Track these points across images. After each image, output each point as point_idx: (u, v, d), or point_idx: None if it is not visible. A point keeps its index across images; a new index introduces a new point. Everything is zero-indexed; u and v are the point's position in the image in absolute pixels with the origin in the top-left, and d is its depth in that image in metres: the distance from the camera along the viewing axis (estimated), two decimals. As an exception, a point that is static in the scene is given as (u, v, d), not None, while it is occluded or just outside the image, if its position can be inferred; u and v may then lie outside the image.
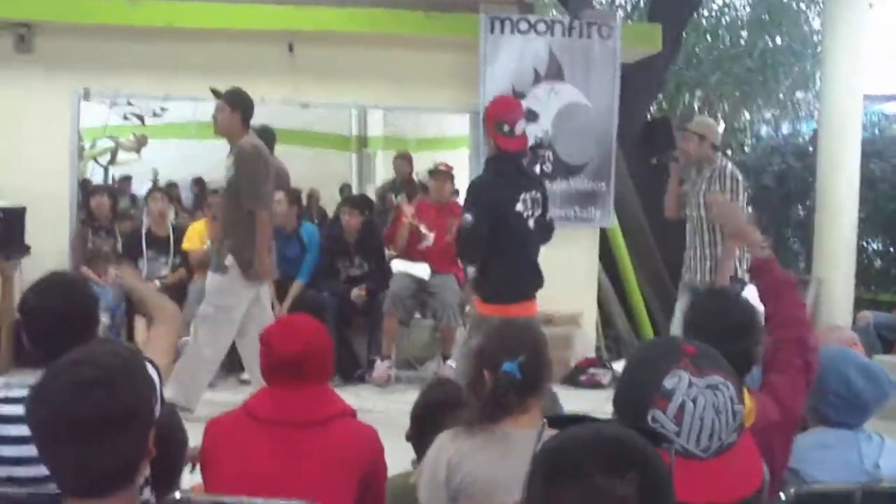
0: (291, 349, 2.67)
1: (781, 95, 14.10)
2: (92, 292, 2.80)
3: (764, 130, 14.28)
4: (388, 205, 9.72)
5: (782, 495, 2.53)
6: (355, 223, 7.56)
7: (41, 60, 7.51)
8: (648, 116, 10.52)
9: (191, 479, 2.66)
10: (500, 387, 2.56)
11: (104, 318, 6.73)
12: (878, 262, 10.68)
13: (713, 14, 14.11)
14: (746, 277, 5.86)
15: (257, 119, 8.35)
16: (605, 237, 8.13)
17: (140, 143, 11.40)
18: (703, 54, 13.66)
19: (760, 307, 2.90)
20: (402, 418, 3.11)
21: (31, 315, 2.62)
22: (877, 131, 11.42)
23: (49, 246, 7.16)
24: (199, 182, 11.05)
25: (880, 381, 2.86)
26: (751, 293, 2.98)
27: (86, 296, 2.71)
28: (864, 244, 10.15)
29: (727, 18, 14.27)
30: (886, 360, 6.20)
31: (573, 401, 6.17)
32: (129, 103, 10.07)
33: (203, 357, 5.78)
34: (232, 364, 6.58)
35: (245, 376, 6.41)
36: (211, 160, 7.35)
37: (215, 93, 5.88)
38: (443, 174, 7.50)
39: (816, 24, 13.35)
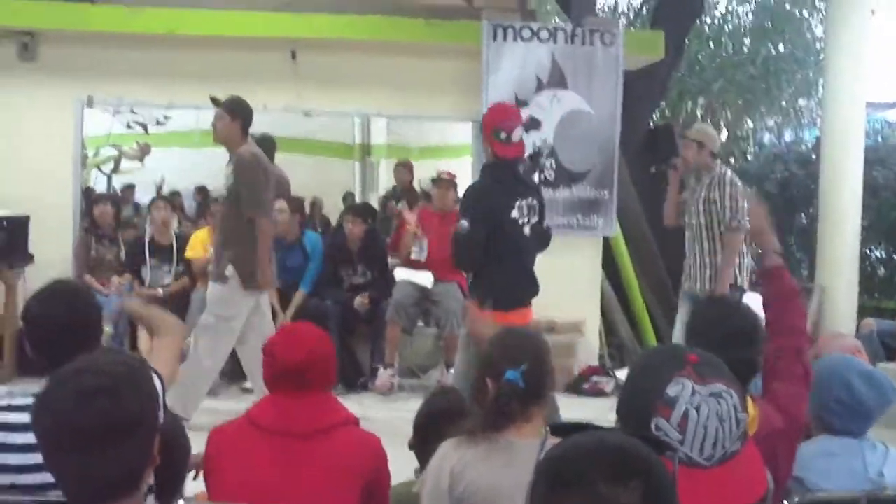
0: (294, 358, 2.67)
1: (784, 103, 14.11)
2: (95, 301, 2.81)
3: (767, 138, 14.29)
4: (390, 212, 9.73)
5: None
6: (358, 231, 7.56)
7: (44, 68, 7.53)
8: (651, 124, 10.51)
9: (194, 486, 2.66)
10: (503, 395, 2.56)
11: (107, 328, 6.73)
12: (881, 270, 10.67)
13: (716, 21, 14.12)
14: (746, 285, 5.87)
15: (260, 127, 8.37)
16: (607, 245, 8.12)
17: (143, 152, 11.42)
18: (706, 62, 13.66)
19: (761, 314, 2.90)
20: (405, 427, 3.11)
21: (35, 323, 2.62)
22: (880, 139, 11.42)
23: (52, 254, 7.17)
24: (202, 190, 11.06)
25: (883, 388, 2.85)
26: (752, 301, 2.97)
27: (89, 304, 2.71)
28: (868, 252, 10.14)
29: (730, 26, 14.28)
30: (890, 367, 6.20)
31: (576, 409, 6.17)
32: (133, 111, 10.10)
33: (203, 366, 5.78)
34: (234, 373, 6.58)
35: (247, 385, 6.40)
36: (214, 168, 7.35)
37: (215, 101, 5.88)
38: (446, 182, 7.50)
39: (819, 31, 13.36)
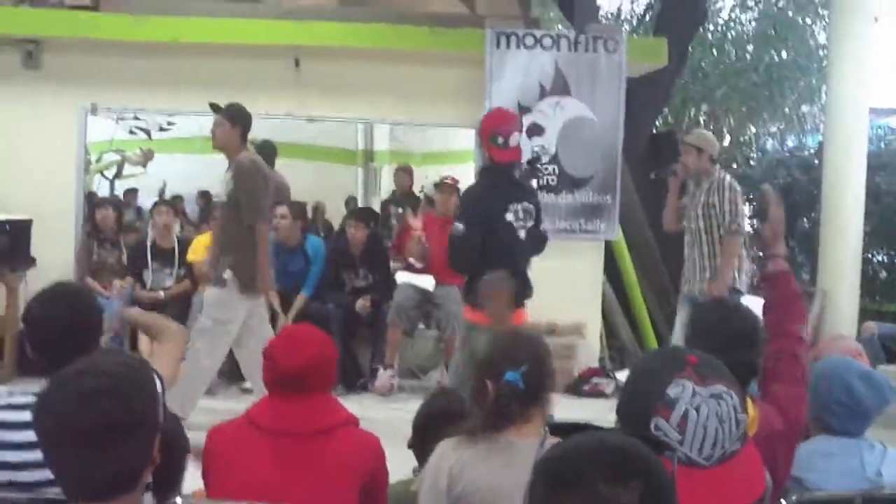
0: (295, 363, 2.66)
1: (787, 109, 14.14)
2: (96, 303, 2.81)
3: (770, 144, 14.30)
4: (388, 214, 9.77)
5: (784, 503, 2.53)
6: (360, 236, 7.58)
7: (49, 76, 7.55)
8: (654, 130, 10.52)
9: (192, 484, 2.66)
10: (502, 396, 2.56)
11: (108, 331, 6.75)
12: (883, 274, 10.68)
13: (719, 28, 14.15)
14: (744, 288, 5.90)
15: (263, 132, 8.39)
16: (610, 249, 8.14)
17: (146, 158, 11.44)
18: (709, 68, 13.69)
19: (761, 317, 2.90)
20: (405, 427, 3.11)
21: (36, 325, 2.63)
22: (882, 145, 11.42)
23: (54, 258, 7.18)
24: (204, 195, 11.08)
25: (882, 389, 2.86)
26: (752, 304, 2.97)
27: (90, 306, 2.72)
28: (869, 256, 10.15)
29: (733, 33, 14.31)
30: (891, 370, 6.19)
31: (576, 410, 6.19)
32: (136, 118, 10.12)
33: (200, 367, 5.80)
34: (233, 373, 6.60)
35: (247, 385, 6.42)
36: (217, 174, 7.35)
37: (214, 107, 5.89)
38: (448, 187, 7.51)
39: (822, 38, 13.39)
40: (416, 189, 10.21)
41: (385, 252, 7.87)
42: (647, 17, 13.46)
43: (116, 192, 11.43)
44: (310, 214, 9.69)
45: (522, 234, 4.98)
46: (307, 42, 7.51)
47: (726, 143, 13.96)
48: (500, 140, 4.96)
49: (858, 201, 8.02)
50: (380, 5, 8.43)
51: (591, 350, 7.83)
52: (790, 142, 13.99)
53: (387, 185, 12.29)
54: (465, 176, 8.32)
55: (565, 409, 4.91)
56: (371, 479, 2.71)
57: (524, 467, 1.46)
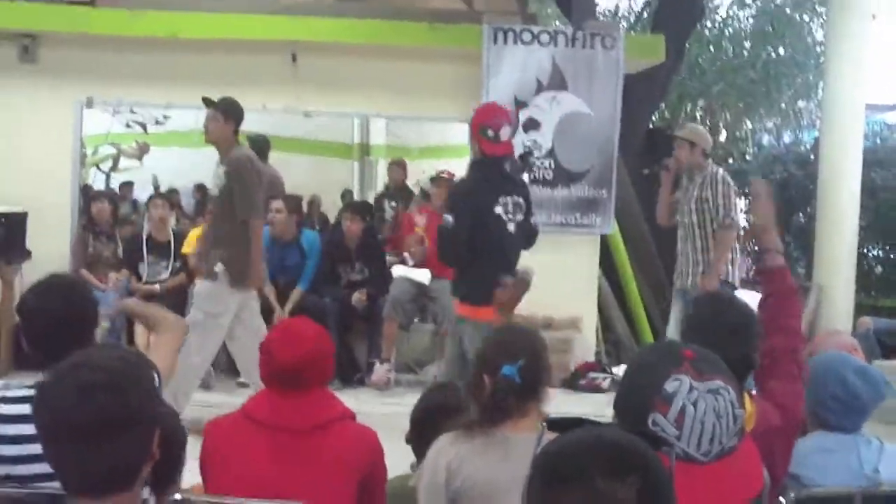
0: (291, 358, 2.66)
1: (783, 105, 14.13)
2: (91, 294, 2.81)
3: (766, 139, 14.30)
4: (381, 207, 9.77)
5: (783, 500, 2.53)
6: (356, 229, 7.57)
7: (45, 70, 7.54)
8: (651, 126, 10.53)
9: (189, 478, 2.65)
10: (499, 390, 2.56)
11: (104, 323, 6.73)
12: (878, 269, 10.70)
13: (716, 25, 14.15)
14: (737, 282, 5.92)
15: (259, 126, 8.38)
16: (605, 243, 8.14)
17: (142, 151, 11.43)
18: (707, 65, 13.68)
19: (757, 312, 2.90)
20: (402, 421, 3.10)
21: (31, 316, 2.62)
22: (878, 140, 11.44)
23: (50, 251, 7.14)
24: (200, 188, 11.07)
25: (877, 383, 2.87)
26: (748, 299, 2.97)
27: (85, 298, 2.71)
28: (865, 251, 10.16)
29: (730, 29, 14.31)
30: (886, 365, 6.21)
31: (573, 405, 6.19)
32: (132, 111, 10.10)
33: (192, 362, 5.79)
34: (230, 367, 6.59)
35: (243, 379, 6.41)
36: (212, 167, 7.37)
37: (207, 102, 5.88)
38: (445, 181, 7.49)
39: (819, 35, 13.40)
40: (411, 183, 10.21)
41: (381, 246, 7.86)
42: (645, 14, 13.45)
43: (112, 186, 11.42)
44: (305, 208, 9.68)
45: (512, 227, 4.98)
46: (304, 37, 7.50)
47: (723, 138, 13.97)
48: (491, 133, 4.97)
49: (854, 196, 8.04)
50: (377, 1, 8.43)
51: (587, 344, 7.83)
52: (786, 137, 13.99)
53: (383, 179, 12.29)
54: (461, 170, 8.28)
55: (562, 403, 4.92)
56: (369, 474, 2.71)
57: (521, 462, 1.46)
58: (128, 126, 10.87)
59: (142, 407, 1.72)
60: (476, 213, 4.86)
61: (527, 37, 7.61)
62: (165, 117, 10.62)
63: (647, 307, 8.56)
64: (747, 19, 14.49)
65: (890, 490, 2.63)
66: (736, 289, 5.80)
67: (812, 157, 10.14)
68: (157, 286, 7.39)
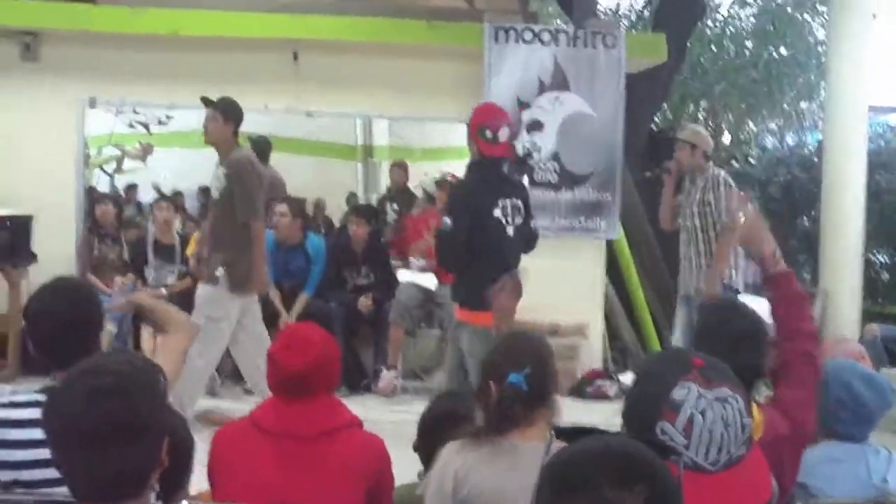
0: (298, 366, 2.65)
1: (786, 106, 14.12)
2: (96, 297, 2.80)
3: (769, 141, 14.29)
4: (383, 209, 9.77)
5: (791, 509, 2.53)
6: (362, 233, 7.56)
7: (47, 69, 7.54)
8: (653, 127, 10.52)
9: (196, 485, 2.66)
10: (506, 398, 2.55)
11: (111, 327, 6.74)
12: (885, 275, 10.67)
13: (718, 24, 14.12)
14: (741, 286, 5.88)
15: (262, 127, 8.37)
16: (611, 248, 8.13)
17: (146, 152, 11.42)
18: (708, 65, 13.67)
19: (769, 320, 2.89)
20: (409, 429, 3.10)
21: (36, 320, 2.62)
22: (882, 143, 11.41)
23: (56, 254, 7.17)
24: (205, 191, 11.04)
25: (884, 391, 2.86)
26: (757, 306, 2.96)
27: (90, 301, 2.70)
28: (871, 256, 10.15)
29: (732, 29, 14.28)
30: (893, 372, 6.19)
31: (579, 412, 6.16)
32: (135, 111, 10.09)
33: (195, 366, 5.77)
34: (236, 373, 6.58)
35: (249, 385, 6.40)
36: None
37: (206, 101, 5.85)
38: (449, 185, 7.50)
39: (821, 35, 13.37)
40: (415, 185, 10.19)
41: (386, 250, 7.85)
42: (646, 13, 13.44)
43: (117, 187, 11.42)
44: (310, 211, 9.68)
45: (511, 230, 4.94)
46: (305, 35, 7.52)
47: (726, 140, 13.96)
48: (489, 134, 4.94)
49: (858, 200, 8.01)
50: (378, -1, 8.43)
51: (593, 351, 7.81)
52: (790, 139, 13.98)
53: (387, 182, 12.28)
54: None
55: (569, 411, 4.87)
56: (376, 482, 2.70)
57: (528, 471, 1.46)
58: (131, 126, 10.86)
59: (151, 413, 1.73)
60: (475, 216, 4.83)
61: (528, 35, 7.61)
62: (168, 117, 10.61)
63: (654, 313, 8.54)
64: (748, 18, 14.47)
65: (899, 501, 2.63)
66: (739, 293, 5.77)
67: (816, 159, 10.12)
68: (163, 290, 7.37)
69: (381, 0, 8.33)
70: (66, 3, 7.49)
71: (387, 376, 7.11)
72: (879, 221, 9.79)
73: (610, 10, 13.97)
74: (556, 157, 7.65)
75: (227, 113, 5.75)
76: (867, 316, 8.35)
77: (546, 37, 7.65)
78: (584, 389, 7.37)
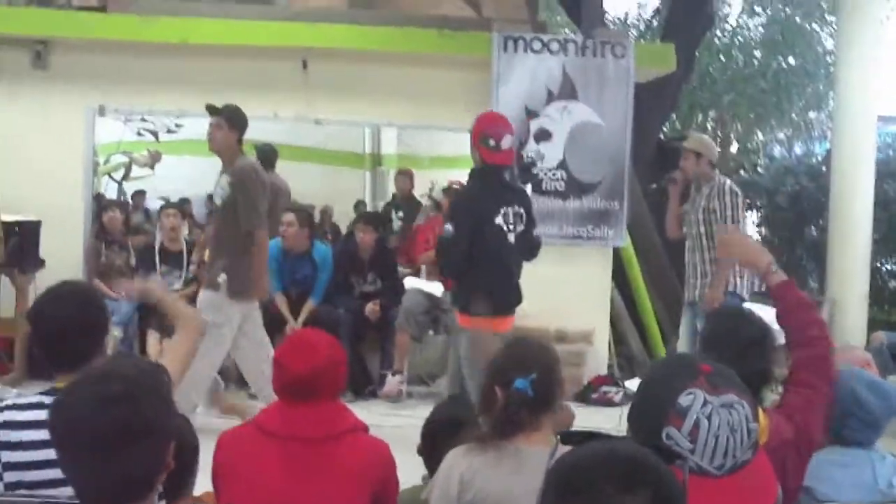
0: (303, 370, 2.65)
1: (794, 116, 14.13)
2: (102, 302, 2.81)
3: (777, 151, 14.28)
4: (388, 217, 9.80)
5: (796, 514, 2.52)
6: (369, 240, 7.57)
7: (57, 77, 7.57)
8: (662, 136, 10.52)
9: (200, 486, 2.66)
10: (511, 403, 2.56)
11: (117, 332, 6.76)
12: (892, 283, 10.65)
13: (726, 34, 14.14)
14: (745, 293, 5.87)
15: (271, 136, 8.39)
16: (618, 255, 8.12)
17: (154, 159, 11.47)
18: (717, 74, 13.68)
19: (775, 327, 2.89)
20: (414, 433, 3.10)
21: (41, 323, 2.62)
22: (891, 152, 11.39)
23: (64, 259, 7.19)
24: (212, 198, 11.09)
25: (890, 397, 2.86)
26: (766, 315, 2.96)
27: (96, 305, 2.71)
28: (878, 265, 10.13)
29: (740, 39, 14.30)
30: (901, 380, 6.17)
31: (585, 418, 6.14)
32: (144, 120, 10.14)
33: (197, 368, 5.78)
34: (241, 378, 6.58)
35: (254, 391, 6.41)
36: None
37: (211, 109, 5.85)
38: (454, 192, 7.51)
39: (829, 44, 13.38)
40: (421, 193, 10.21)
41: (394, 257, 7.86)
42: (655, 23, 13.45)
43: (125, 194, 11.47)
44: (317, 218, 9.69)
45: (512, 238, 4.95)
46: (315, 44, 7.53)
47: (734, 149, 13.95)
48: (492, 142, 4.95)
49: (867, 209, 8.01)
50: (388, 8, 8.45)
51: (599, 358, 7.80)
52: (798, 149, 13.97)
53: (394, 189, 12.31)
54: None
55: (575, 417, 4.89)
56: (381, 486, 2.70)
57: (534, 475, 1.46)
58: (139, 134, 10.92)
59: (158, 418, 1.73)
60: (476, 223, 4.84)
61: (537, 45, 7.61)
62: (177, 126, 10.66)
63: (660, 321, 8.53)
64: (757, 28, 14.48)
65: (907, 507, 2.62)
66: (744, 300, 5.77)
67: (824, 168, 10.11)
68: (170, 293, 7.40)
69: (390, 9, 8.36)
70: (77, 12, 7.53)
71: (392, 381, 7.11)
72: (887, 230, 9.77)
73: (619, 19, 14.01)
74: (563, 165, 7.65)
75: (231, 120, 5.74)
76: (874, 324, 8.34)
77: (555, 46, 7.66)
78: (589, 396, 7.37)
